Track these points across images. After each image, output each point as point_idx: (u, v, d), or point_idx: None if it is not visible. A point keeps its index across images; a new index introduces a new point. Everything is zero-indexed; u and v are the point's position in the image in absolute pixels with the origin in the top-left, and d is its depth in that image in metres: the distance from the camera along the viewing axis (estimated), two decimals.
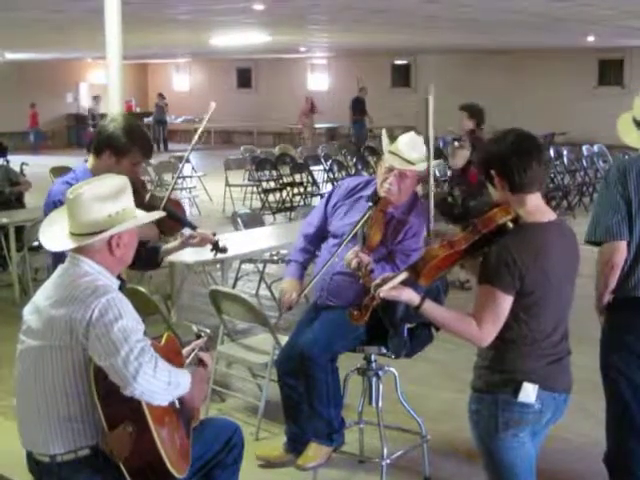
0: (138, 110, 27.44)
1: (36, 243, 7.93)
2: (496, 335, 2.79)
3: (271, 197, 12.65)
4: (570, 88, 20.96)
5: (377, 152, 14.64)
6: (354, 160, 14.64)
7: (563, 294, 2.88)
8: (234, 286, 7.68)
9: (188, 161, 14.06)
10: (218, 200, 13.46)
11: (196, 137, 4.10)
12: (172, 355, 2.90)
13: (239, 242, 6.73)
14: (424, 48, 21.08)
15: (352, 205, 4.24)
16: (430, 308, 2.79)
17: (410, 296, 2.77)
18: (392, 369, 4.30)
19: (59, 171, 11.13)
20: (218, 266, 6.70)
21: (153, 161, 12.70)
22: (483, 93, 22.11)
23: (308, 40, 17.93)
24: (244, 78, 27.96)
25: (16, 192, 9.24)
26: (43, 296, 2.78)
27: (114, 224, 2.74)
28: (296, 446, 4.29)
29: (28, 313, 2.80)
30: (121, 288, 2.86)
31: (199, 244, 3.90)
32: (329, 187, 12.73)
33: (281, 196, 12.77)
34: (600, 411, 3.72)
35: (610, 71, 21.07)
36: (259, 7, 10.29)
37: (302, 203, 12.50)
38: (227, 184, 13.05)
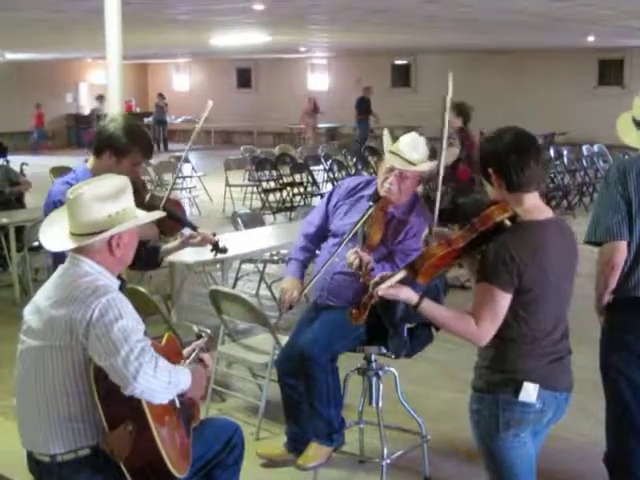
0: (138, 110, 27.44)
1: (36, 243, 7.93)
2: (496, 334, 2.79)
3: (271, 197, 12.64)
4: (570, 88, 20.97)
5: (377, 152, 14.65)
6: (354, 160, 14.64)
7: (562, 291, 2.88)
8: (234, 286, 7.68)
9: (188, 161, 14.16)
10: (218, 200, 13.46)
11: (194, 135, 4.10)
12: (172, 355, 2.90)
13: (239, 242, 6.73)
14: (424, 48, 21.08)
15: (353, 205, 4.24)
16: (428, 307, 2.79)
17: (408, 295, 2.78)
18: (392, 369, 4.30)
19: (59, 171, 11.14)
20: (218, 266, 6.70)
21: (153, 161, 12.70)
22: (483, 93, 22.14)
23: (308, 40, 17.93)
24: (244, 78, 27.96)
25: (16, 192, 9.24)
26: (43, 296, 2.79)
27: (114, 224, 2.74)
28: (297, 446, 4.29)
29: (28, 313, 2.80)
30: (121, 288, 2.86)
31: (199, 244, 3.90)
32: (329, 187, 12.74)
33: (281, 196, 12.77)
34: (600, 411, 3.72)
35: (610, 71, 21.07)
36: (259, 7, 10.30)
37: (302, 203, 12.50)
38: (227, 184, 13.05)
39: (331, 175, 13.59)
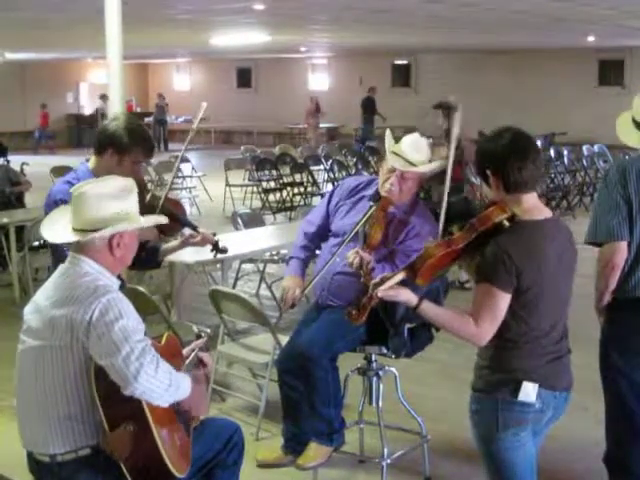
0: (138, 110, 27.45)
1: (36, 243, 7.95)
2: (495, 335, 2.79)
3: (271, 197, 12.64)
4: (570, 88, 20.96)
5: (378, 152, 14.65)
6: (354, 160, 14.64)
7: (561, 291, 2.88)
8: (234, 286, 7.68)
9: (188, 161, 14.17)
10: (218, 200, 13.46)
11: (190, 137, 4.11)
12: (172, 355, 2.90)
13: (239, 242, 6.73)
14: (424, 48, 21.10)
15: (354, 205, 4.24)
16: (428, 308, 2.79)
17: (408, 296, 2.78)
18: (392, 369, 4.30)
19: (60, 171, 11.16)
20: (218, 266, 6.71)
21: (153, 161, 12.70)
22: (483, 93, 22.17)
23: (308, 40, 17.93)
24: (244, 78, 27.96)
25: (16, 192, 9.25)
26: (44, 296, 2.79)
27: (117, 223, 2.75)
28: (294, 447, 4.29)
29: (29, 313, 2.80)
30: (121, 288, 2.86)
31: (199, 244, 3.90)
32: (329, 187, 12.74)
33: (281, 196, 12.77)
34: (600, 411, 3.72)
35: (610, 71, 21.07)
36: (259, 7, 10.30)
37: (302, 203, 12.49)
38: (227, 184, 13.05)
39: (331, 175, 13.59)
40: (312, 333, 4.14)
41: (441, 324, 2.86)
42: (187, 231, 3.92)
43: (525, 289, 2.77)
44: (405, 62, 24.54)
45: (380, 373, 4.22)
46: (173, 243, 3.95)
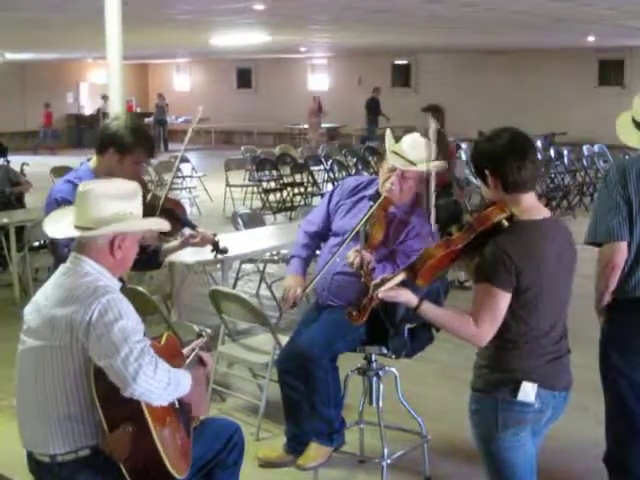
0: (138, 110, 27.45)
1: (36, 243, 7.95)
2: (495, 335, 2.79)
3: (271, 197, 12.64)
4: (570, 88, 20.96)
5: (378, 152, 14.64)
6: (355, 160, 14.65)
7: (560, 291, 2.88)
8: (234, 286, 7.68)
9: (188, 161, 14.18)
10: (218, 200, 13.46)
11: (187, 139, 4.11)
12: (172, 355, 2.90)
13: (239, 242, 6.73)
14: (424, 48, 21.09)
15: (354, 204, 4.24)
16: (428, 309, 2.79)
17: (408, 297, 2.78)
18: (392, 369, 4.30)
19: (60, 171, 11.16)
20: (218, 266, 6.71)
21: (153, 161, 12.70)
22: (483, 93, 22.19)
23: (308, 40, 17.93)
24: (244, 78, 27.96)
25: (16, 192, 9.25)
26: (44, 296, 2.79)
27: (118, 223, 2.75)
28: (296, 447, 4.29)
29: (29, 313, 2.81)
30: (121, 288, 2.86)
31: (199, 244, 3.90)
32: (329, 187, 12.73)
33: (281, 196, 12.77)
34: (600, 411, 3.72)
35: (610, 71, 21.07)
36: (259, 7, 10.30)
37: (302, 203, 12.49)
38: (227, 184, 13.05)
39: (331, 175, 13.60)
40: (312, 333, 4.14)
41: (441, 325, 2.86)
42: (187, 231, 3.93)
43: (524, 289, 2.77)
44: (405, 62, 24.54)
45: (380, 373, 4.22)
46: (173, 243, 3.95)
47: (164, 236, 4.01)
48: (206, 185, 14.25)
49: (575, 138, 18.40)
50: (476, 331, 2.77)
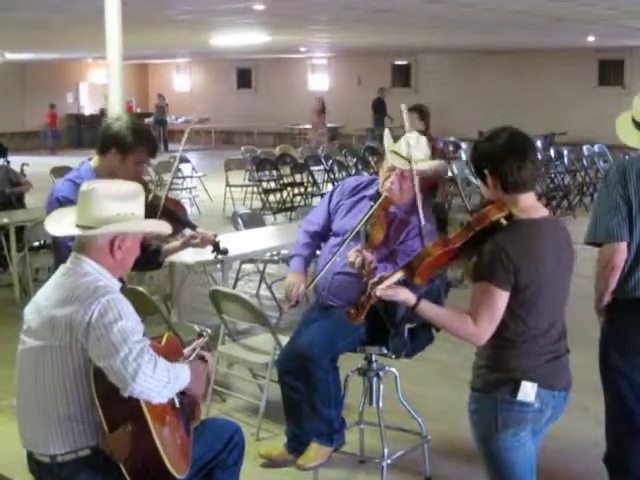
0: (138, 110, 27.47)
1: (36, 243, 7.96)
2: (494, 334, 2.79)
3: (271, 197, 12.65)
4: (570, 88, 20.97)
5: (378, 152, 14.64)
6: (355, 160, 14.65)
7: (558, 290, 2.88)
8: (234, 286, 7.68)
9: (188, 161, 14.18)
10: (218, 200, 13.46)
11: (184, 139, 4.11)
12: (172, 355, 2.90)
13: (239, 242, 6.73)
14: (424, 48, 21.09)
15: (354, 204, 4.24)
16: (426, 308, 2.79)
17: (406, 296, 2.78)
18: (393, 369, 4.30)
19: (60, 172, 11.16)
20: (218, 266, 6.71)
21: (153, 161, 12.71)
22: (483, 93, 22.19)
23: (308, 40, 17.93)
24: (244, 78, 27.96)
25: (17, 192, 9.26)
26: (44, 296, 2.79)
27: (119, 223, 2.75)
28: (296, 447, 4.29)
29: (29, 313, 2.81)
30: (121, 289, 2.86)
31: (200, 245, 3.90)
32: (329, 187, 12.74)
33: (281, 196, 12.77)
34: (600, 411, 3.72)
35: (610, 71, 21.07)
36: (259, 7, 10.30)
37: (302, 203, 12.50)
38: (227, 184, 13.06)
39: (331, 175, 13.60)
40: (312, 333, 4.14)
41: (440, 324, 2.86)
42: (188, 232, 3.93)
43: (523, 287, 2.77)
44: (405, 62, 24.54)
45: (380, 373, 4.22)
46: (174, 244, 3.95)
47: (165, 237, 4.02)
48: (206, 185, 14.25)
49: (575, 138, 18.41)
50: (474, 330, 2.77)
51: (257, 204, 12.73)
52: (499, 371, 2.84)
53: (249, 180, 13.64)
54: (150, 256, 3.79)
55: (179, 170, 12.93)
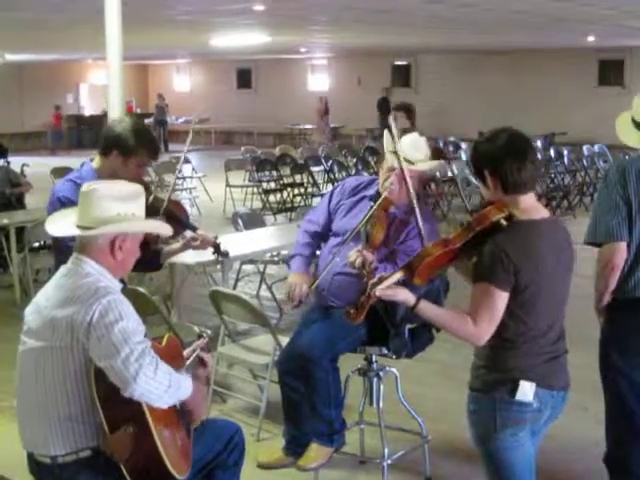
0: (138, 111, 27.48)
1: (37, 244, 7.95)
2: (493, 334, 2.79)
3: (272, 198, 12.65)
4: (570, 88, 20.97)
5: (378, 152, 14.64)
6: (354, 160, 14.66)
7: (558, 290, 2.89)
8: (235, 287, 7.69)
9: (188, 161, 14.18)
10: (219, 201, 13.47)
11: (188, 141, 4.11)
12: (173, 356, 2.90)
13: (240, 243, 6.73)
14: (424, 48, 21.09)
15: (354, 204, 4.24)
16: (426, 308, 2.79)
17: (406, 296, 2.78)
18: (393, 369, 4.30)
19: (60, 172, 11.17)
20: (219, 267, 6.71)
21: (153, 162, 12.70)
22: (483, 93, 22.19)
23: (308, 41, 17.93)
24: (244, 79, 27.97)
25: (17, 193, 9.26)
26: (45, 296, 2.79)
27: (119, 223, 2.76)
28: (295, 449, 4.29)
29: (29, 314, 2.81)
30: (121, 290, 2.86)
31: (201, 247, 3.90)
32: (329, 188, 12.74)
33: (282, 197, 12.77)
34: (600, 411, 3.72)
35: (610, 71, 21.06)
36: (259, 8, 10.30)
37: (303, 204, 12.50)
38: (227, 185, 13.06)
39: (331, 176, 13.60)
40: (312, 334, 4.14)
41: (440, 324, 2.86)
42: (189, 233, 3.93)
43: (523, 287, 2.77)
44: (405, 63, 24.54)
45: (380, 374, 4.22)
46: (175, 246, 3.95)
47: (166, 238, 4.03)
48: (206, 185, 14.26)
49: (575, 138, 18.41)
50: (474, 330, 2.77)
51: (257, 204, 12.74)
52: (497, 371, 2.84)
53: (249, 180, 13.65)
54: (150, 258, 3.79)
55: (179, 171, 12.91)
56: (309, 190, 13.19)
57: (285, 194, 12.78)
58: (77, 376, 2.69)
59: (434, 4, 10.11)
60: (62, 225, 2.86)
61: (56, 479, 2.75)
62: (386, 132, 4.22)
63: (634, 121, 3.57)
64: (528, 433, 2.87)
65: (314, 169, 13.53)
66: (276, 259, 7.57)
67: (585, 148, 14.57)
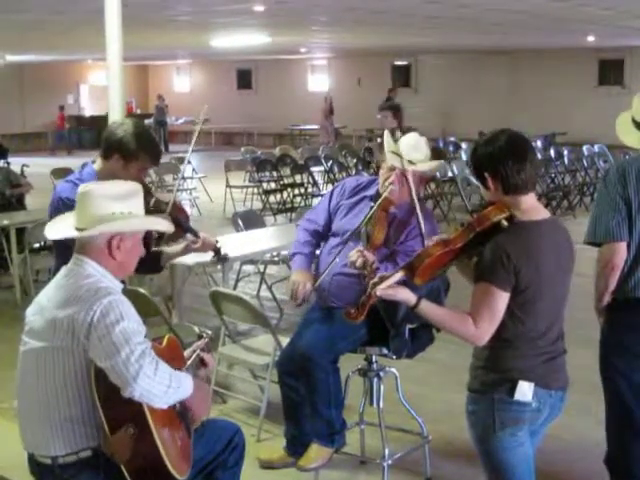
0: (138, 111, 27.49)
1: (37, 245, 7.95)
2: (493, 335, 2.79)
3: (272, 198, 12.65)
4: (570, 88, 20.98)
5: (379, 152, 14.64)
6: (355, 161, 14.66)
7: (557, 291, 2.89)
8: (235, 287, 7.68)
9: (188, 162, 14.17)
10: (219, 201, 13.47)
11: (193, 141, 4.11)
12: (173, 357, 2.90)
13: (240, 243, 6.73)
14: (424, 49, 21.10)
15: (354, 205, 4.23)
16: (426, 307, 2.79)
17: (406, 295, 2.78)
18: (393, 370, 4.30)
19: (61, 173, 11.17)
20: (219, 267, 6.70)
21: None
22: (483, 93, 22.19)
23: (308, 41, 17.95)
24: (244, 79, 27.98)
25: (17, 194, 9.26)
26: (46, 297, 2.79)
27: (114, 222, 2.75)
28: (296, 449, 4.29)
29: (31, 314, 2.81)
30: (122, 290, 2.86)
31: (201, 249, 3.90)
32: (329, 188, 12.74)
33: (282, 197, 12.77)
34: (600, 411, 3.72)
35: (610, 71, 21.08)
36: (259, 8, 10.31)
37: (303, 204, 12.50)
38: (228, 185, 13.06)
39: (332, 176, 13.60)
40: (313, 334, 4.14)
41: (440, 323, 2.86)
42: (189, 237, 3.92)
43: (523, 288, 2.77)
44: (405, 63, 24.55)
45: (381, 374, 4.22)
46: (176, 248, 3.94)
47: (167, 240, 4.03)
48: (206, 186, 14.26)
49: (575, 138, 18.41)
50: (475, 330, 2.77)
51: (257, 205, 12.73)
52: (496, 371, 2.84)
53: (249, 181, 13.65)
54: (151, 260, 3.79)
55: (182, 171, 12.94)
56: (309, 190, 13.19)
57: (285, 194, 12.79)
58: (78, 376, 2.69)
59: (434, 4, 10.12)
60: (60, 228, 2.85)
61: (57, 479, 2.76)
62: (386, 132, 4.22)
63: (634, 121, 3.57)
64: (527, 433, 2.87)
65: (314, 169, 13.53)
66: (276, 259, 7.57)
67: (585, 148, 14.57)
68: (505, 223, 2.78)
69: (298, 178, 13.29)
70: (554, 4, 10.21)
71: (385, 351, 4.13)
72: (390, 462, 4.15)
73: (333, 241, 4.22)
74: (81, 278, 2.73)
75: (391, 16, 11.55)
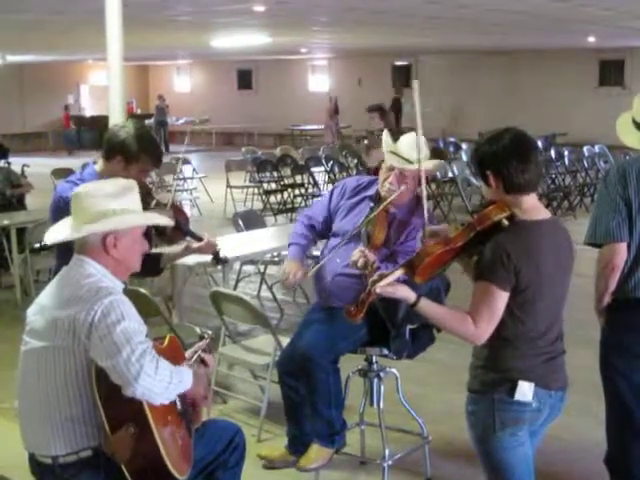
0: (139, 112, 27.48)
1: (37, 245, 7.95)
2: (492, 335, 2.79)
3: (272, 198, 12.65)
4: (571, 89, 20.98)
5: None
6: (355, 161, 14.66)
7: (557, 291, 2.89)
8: (235, 287, 7.69)
9: (189, 162, 14.19)
10: (219, 201, 13.47)
11: (186, 141, 4.11)
12: (174, 356, 2.90)
13: (240, 243, 6.73)
14: (425, 49, 21.10)
15: (354, 205, 4.23)
16: (426, 306, 2.79)
17: (406, 293, 2.78)
18: (393, 370, 4.30)
19: (61, 173, 11.18)
20: (219, 268, 6.70)
21: None
22: (483, 94, 22.19)
23: (309, 41, 17.94)
24: (245, 79, 27.98)
25: (17, 194, 9.26)
26: (47, 297, 2.80)
27: (107, 219, 2.75)
28: (297, 448, 4.29)
29: (32, 314, 2.81)
30: (122, 290, 2.86)
31: (201, 251, 3.90)
32: (330, 188, 12.73)
33: (282, 197, 12.77)
34: (600, 411, 3.72)
35: (611, 71, 21.08)
36: (260, 9, 10.31)
37: (303, 204, 12.51)
38: (228, 185, 13.06)
39: (332, 176, 13.60)
40: (313, 335, 4.14)
41: (439, 322, 2.86)
42: (189, 239, 3.92)
43: (523, 288, 2.77)
44: (405, 63, 24.56)
45: (381, 374, 4.22)
46: (176, 250, 3.95)
47: (167, 242, 4.03)
48: (207, 186, 14.26)
49: (575, 138, 18.41)
50: (474, 329, 2.77)
51: (258, 205, 12.73)
52: (496, 371, 2.84)
53: (250, 181, 13.66)
54: (150, 261, 3.78)
55: (180, 171, 12.94)
56: (310, 191, 13.19)
57: (286, 195, 12.79)
58: (78, 376, 2.69)
59: (434, 4, 10.12)
60: (58, 230, 2.85)
61: (57, 479, 2.76)
62: (385, 132, 4.22)
63: (634, 122, 3.57)
64: (527, 433, 2.87)
65: (315, 170, 13.53)
66: (276, 260, 7.57)
67: (585, 149, 14.56)
68: (506, 222, 2.78)
69: (299, 178, 13.29)
70: (554, 4, 10.21)
71: (385, 352, 4.13)
72: (390, 462, 4.15)
73: (334, 241, 4.22)
74: (82, 278, 2.73)
75: (391, 16, 11.55)
